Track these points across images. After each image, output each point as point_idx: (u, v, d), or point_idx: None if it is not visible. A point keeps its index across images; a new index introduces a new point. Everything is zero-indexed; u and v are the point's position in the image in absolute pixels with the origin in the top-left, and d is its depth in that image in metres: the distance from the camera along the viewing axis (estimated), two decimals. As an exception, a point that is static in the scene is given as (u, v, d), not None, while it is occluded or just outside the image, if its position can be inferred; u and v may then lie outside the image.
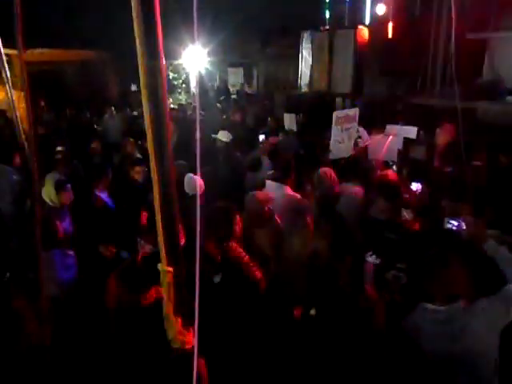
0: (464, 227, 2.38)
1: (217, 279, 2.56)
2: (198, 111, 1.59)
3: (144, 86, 1.38)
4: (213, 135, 5.83)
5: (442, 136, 4.78)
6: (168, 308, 1.66)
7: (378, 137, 4.71)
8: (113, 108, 8.97)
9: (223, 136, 5.53)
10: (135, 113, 9.57)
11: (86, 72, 11.95)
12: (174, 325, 1.69)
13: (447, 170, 4.07)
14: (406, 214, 3.07)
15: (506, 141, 4.41)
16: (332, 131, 4.63)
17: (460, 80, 3.68)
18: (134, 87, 13.77)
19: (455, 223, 2.52)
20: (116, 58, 12.30)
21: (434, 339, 2.06)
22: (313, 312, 1.85)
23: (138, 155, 5.42)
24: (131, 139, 5.79)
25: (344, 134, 4.61)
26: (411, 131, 4.59)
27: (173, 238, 1.54)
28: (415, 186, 3.60)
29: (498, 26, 6.65)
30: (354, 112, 4.68)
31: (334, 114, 4.63)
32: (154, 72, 1.38)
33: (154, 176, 1.44)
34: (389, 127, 4.62)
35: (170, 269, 1.57)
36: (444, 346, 2.04)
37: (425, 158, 4.67)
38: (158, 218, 1.50)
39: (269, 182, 3.78)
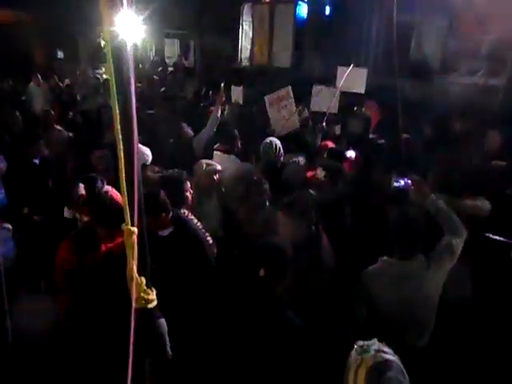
0: (410, 186, 2.61)
1: (165, 233, 2.59)
2: (133, 84, 1.61)
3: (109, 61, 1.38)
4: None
5: (369, 110, 5.18)
6: (131, 268, 1.68)
7: (319, 88, 4.89)
8: (39, 76, 8.29)
9: None
10: (67, 81, 8.94)
11: (4, 35, 10.80)
12: (137, 284, 1.72)
13: (380, 142, 4.40)
14: (319, 173, 3.31)
15: (431, 115, 4.85)
16: (269, 114, 4.75)
17: (390, 59, 3.96)
18: (60, 54, 12.77)
19: (402, 182, 2.74)
20: (39, 20, 11.23)
21: (391, 287, 2.33)
22: (262, 273, 1.95)
23: (58, 127, 5.11)
24: (52, 111, 5.52)
25: (283, 111, 4.77)
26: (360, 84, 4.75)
27: (135, 200, 1.57)
28: (349, 154, 3.88)
29: (425, 10, 7.13)
30: (286, 90, 4.82)
31: (266, 99, 4.79)
32: (120, 51, 1.39)
33: (119, 145, 1.46)
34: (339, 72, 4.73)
35: (134, 229, 1.59)
36: (399, 291, 2.31)
37: (360, 130, 4.98)
38: (122, 181, 1.52)
39: (216, 153, 3.83)
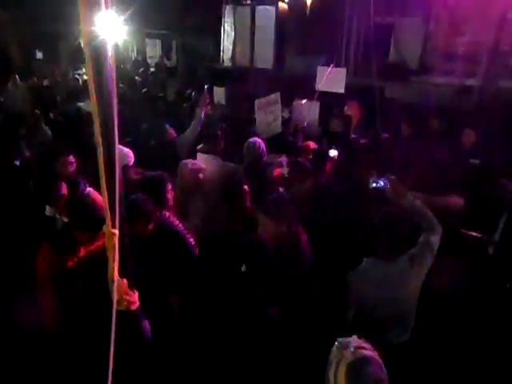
0: (388, 186, 2.67)
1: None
2: (113, 84, 1.62)
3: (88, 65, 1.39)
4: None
5: (351, 111, 5.27)
6: (112, 270, 1.69)
7: (300, 102, 4.98)
8: (17, 76, 8.13)
9: (87, 106, 5.70)
10: (45, 82, 8.78)
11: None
12: (119, 286, 1.73)
13: (361, 141, 4.48)
14: (284, 170, 3.38)
15: (409, 115, 4.96)
16: (256, 117, 4.79)
17: (370, 60, 4.05)
18: (39, 54, 12.53)
19: (381, 183, 2.79)
20: (17, 20, 11.01)
21: (377, 286, 2.37)
22: (243, 268, 1.98)
23: (45, 127, 5.07)
24: (37, 111, 5.42)
25: (269, 116, 4.83)
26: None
27: (115, 202, 1.57)
28: (332, 153, 3.93)
29: (403, 12, 7.28)
30: (275, 96, 4.91)
31: (256, 103, 4.84)
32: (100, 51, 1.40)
33: (100, 148, 1.47)
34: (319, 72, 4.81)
35: (115, 231, 1.60)
36: (386, 291, 2.36)
37: (342, 129, 5.06)
38: (103, 183, 1.52)
39: (200, 154, 3.84)
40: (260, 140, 3.97)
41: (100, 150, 1.47)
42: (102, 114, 1.50)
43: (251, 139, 3.96)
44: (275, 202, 2.46)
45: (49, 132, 4.71)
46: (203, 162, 3.62)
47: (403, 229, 2.45)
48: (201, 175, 3.39)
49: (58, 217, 3.10)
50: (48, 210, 3.14)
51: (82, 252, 2.55)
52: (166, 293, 2.56)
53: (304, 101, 4.96)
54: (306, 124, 4.72)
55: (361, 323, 2.38)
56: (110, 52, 1.44)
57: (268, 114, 4.83)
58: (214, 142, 4.05)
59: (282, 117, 5.10)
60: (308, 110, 4.78)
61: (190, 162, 3.45)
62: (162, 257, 2.55)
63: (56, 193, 3.07)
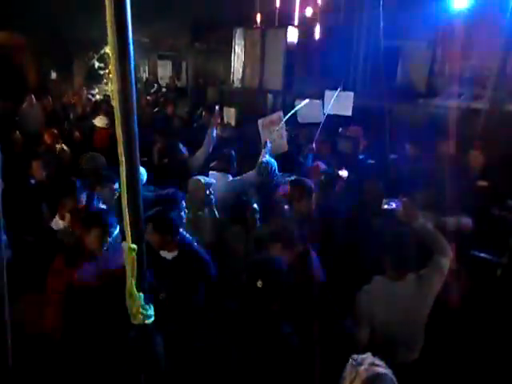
0: (400, 208, 2.72)
1: (169, 256, 2.65)
2: (134, 103, 1.70)
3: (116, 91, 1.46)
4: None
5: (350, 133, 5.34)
6: (131, 284, 1.74)
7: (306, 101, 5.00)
8: (32, 96, 8.36)
9: (99, 122, 5.90)
10: (61, 102, 9.02)
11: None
12: (136, 300, 1.77)
13: (370, 162, 4.54)
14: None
15: (416, 136, 5.03)
16: (261, 135, 4.87)
17: (378, 83, 4.14)
18: (53, 75, 12.89)
19: (393, 204, 2.84)
20: (34, 42, 11.39)
21: (384, 307, 2.40)
22: (259, 284, 2.00)
23: (62, 145, 5.20)
24: (53, 129, 5.56)
25: (274, 134, 4.90)
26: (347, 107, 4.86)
27: (137, 218, 1.64)
28: (342, 173, 3.98)
29: (409, 36, 7.44)
30: (277, 116, 4.98)
31: (259, 122, 4.92)
32: (125, 75, 1.48)
33: (122, 162, 1.54)
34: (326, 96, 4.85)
35: (135, 246, 1.66)
36: (393, 311, 2.39)
37: (351, 151, 5.13)
38: (124, 199, 1.59)
39: (212, 173, 3.92)
40: (272, 160, 4.02)
41: (123, 169, 1.54)
42: (127, 133, 1.57)
43: (264, 159, 4.01)
44: (282, 231, 2.53)
45: (67, 150, 4.81)
46: (215, 179, 3.70)
47: (411, 249, 2.48)
48: (210, 190, 3.46)
49: (67, 226, 3.18)
50: (55, 223, 3.22)
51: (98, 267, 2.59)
52: (187, 313, 2.59)
53: (307, 100, 4.98)
54: (314, 145, 4.78)
55: (370, 342, 2.39)
56: (132, 70, 1.50)
57: (272, 132, 4.88)
58: (227, 160, 4.15)
59: (290, 136, 5.16)
60: (315, 111, 4.80)
61: (200, 177, 3.54)
62: (184, 279, 2.59)
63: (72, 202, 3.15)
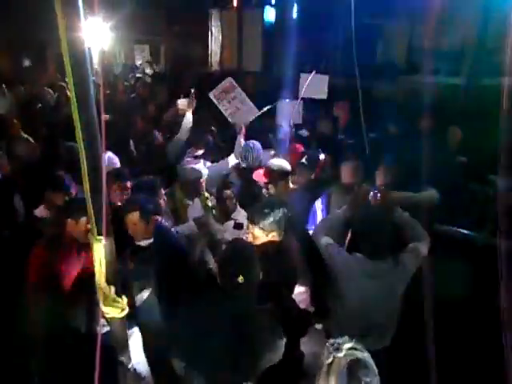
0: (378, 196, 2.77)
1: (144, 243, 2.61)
2: (102, 91, 1.61)
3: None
4: None
5: (339, 111, 5.27)
6: (100, 277, 1.68)
7: (285, 102, 4.84)
8: (3, 85, 8.05)
9: None
10: (34, 90, 8.71)
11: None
12: (107, 294, 1.72)
13: (349, 142, 4.51)
14: None
15: (395, 114, 5.00)
16: (221, 109, 4.67)
17: (357, 61, 4.08)
18: (26, 62, 12.44)
19: (371, 193, 2.87)
20: (3, 27, 10.92)
21: (359, 284, 2.42)
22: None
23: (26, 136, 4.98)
24: (15, 120, 5.31)
25: (235, 102, 4.65)
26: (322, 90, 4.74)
27: (101, 211, 1.57)
28: (322, 157, 3.94)
29: (389, 13, 7.36)
30: (229, 82, 4.71)
31: (211, 97, 4.66)
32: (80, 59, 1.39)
33: (81, 153, 1.47)
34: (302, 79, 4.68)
35: (101, 238, 1.60)
36: (366, 291, 2.41)
37: (330, 131, 5.08)
38: (87, 192, 1.52)
39: (189, 160, 3.88)
40: (257, 143, 3.92)
41: (82, 157, 1.47)
42: (86, 123, 1.49)
43: (249, 143, 3.91)
44: (259, 209, 2.50)
45: (31, 142, 4.61)
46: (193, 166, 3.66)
47: (388, 229, 2.49)
48: (201, 180, 3.45)
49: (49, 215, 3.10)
50: (39, 211, 3.14)
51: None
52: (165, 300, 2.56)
53: (287, 100, 4.84)
54: (292, 124, 4.66)
55: (343, 327, 2.41)
56: (90, 58, 1.43)
57: (232, 101, 4.65)
58: (205, 146, 4.09)
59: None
60: (293, 110, 4.67)
61: (190, 167, 3.52)
62: (160, 265, 2.55)
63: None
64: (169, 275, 2.50)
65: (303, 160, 3.80)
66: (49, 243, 2.58)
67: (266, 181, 3.40)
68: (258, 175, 3.48)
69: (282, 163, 3.49)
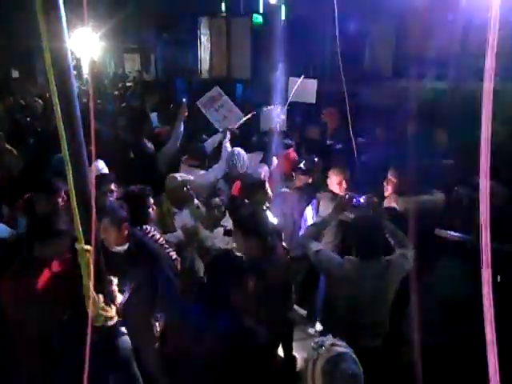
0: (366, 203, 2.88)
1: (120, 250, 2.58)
2: (92, 99, 1.63)
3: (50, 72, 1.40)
4: None
5: (328, 117, 5.34)
6: (88, 286, 1.68)
7: (269, 108, 4.88)
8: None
9: None
10: (22, 101, 8.71)
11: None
12: (95, 302, 1.72)
13: (337, 147, 4.56)
14: None
15: (382, 118, 5.08)
16: (209, 118, 4.72)
17: (345, 68, 4.13)
18: (15, 73, 12.40)
19: (361, 200, 2.92)
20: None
21: (352, 286, 2.48)
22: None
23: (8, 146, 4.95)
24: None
25: (221, 110, 4.71)
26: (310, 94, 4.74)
27: (88, 219, 1.58)
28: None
29: (375, 19, 7.47)
30: (215, 91, 4.79)
31: (199, 105, 4.72)
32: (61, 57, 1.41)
33: (68, 165, 1.48)
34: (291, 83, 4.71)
35: (88, 247, 1.60)
36: (360, 292, 2.47)
37: (319, 137, 5.13)
38: (73, 199, 1.53)
39: (184, 166, 3.90)
40: (241, 151, 3.98)
41: (68, 166, 1.48)
42: (70, 131, 1.50)
43: (234, 150, 3.96)
44: (247, 219, 2.53)
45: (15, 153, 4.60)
46: (189, 174, 3.69)
47: (381, 231, 2.60)
48: (189, 187, 3.46)
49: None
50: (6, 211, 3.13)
51: (48, 272, 2.42)
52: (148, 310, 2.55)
53: (272, 106, 4.88)
54: (277, 127, 4.68)
55: (334, 326, 2.43)
56: (71, 66, 1.44)
57: (219, 109, 4.69)
58: (198, 154, 4.13)
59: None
60: (276, 114, 4.70)
61: (178, 174, 3.53)
62: (135, 272, 2.53)
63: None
64: (145, 282, 2.51)
65: (301, 165, 3.87)
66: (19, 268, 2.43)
67: (242, 195, 3.44)
68: (236, 188, 3.55)
69: (255, 175, 3.57)
